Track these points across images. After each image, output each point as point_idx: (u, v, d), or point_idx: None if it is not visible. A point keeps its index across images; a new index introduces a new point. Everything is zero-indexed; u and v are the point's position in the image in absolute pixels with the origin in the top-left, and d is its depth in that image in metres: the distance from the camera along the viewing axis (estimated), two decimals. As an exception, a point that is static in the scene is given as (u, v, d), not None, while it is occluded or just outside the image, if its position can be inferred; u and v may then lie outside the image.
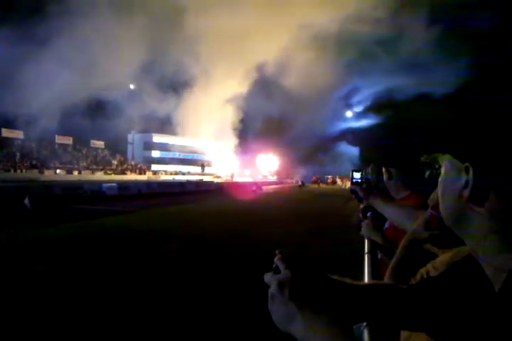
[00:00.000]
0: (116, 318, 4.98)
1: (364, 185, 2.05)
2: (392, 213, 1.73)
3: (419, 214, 1.41)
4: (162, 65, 65.07)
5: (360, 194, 1.88)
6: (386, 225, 2.07)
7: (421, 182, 2.07)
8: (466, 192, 0.58)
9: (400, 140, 2.36)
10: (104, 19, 55.26)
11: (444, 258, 0.88)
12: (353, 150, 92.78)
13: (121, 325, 4.80)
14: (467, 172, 0.59)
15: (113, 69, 55.28)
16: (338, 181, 73.52)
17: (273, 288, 0.66)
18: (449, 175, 0.64)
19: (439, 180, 0.69)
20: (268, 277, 0.69)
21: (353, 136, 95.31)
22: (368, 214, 2.14)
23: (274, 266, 0.69)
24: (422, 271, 0.93)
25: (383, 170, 2.24)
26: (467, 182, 0.58)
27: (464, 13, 63.64)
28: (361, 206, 2.24)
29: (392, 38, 71.58)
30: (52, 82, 50.24)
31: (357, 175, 2.22)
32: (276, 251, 0.68)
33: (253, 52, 68.47)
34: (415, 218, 1.43)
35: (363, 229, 2.09)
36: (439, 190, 0.68)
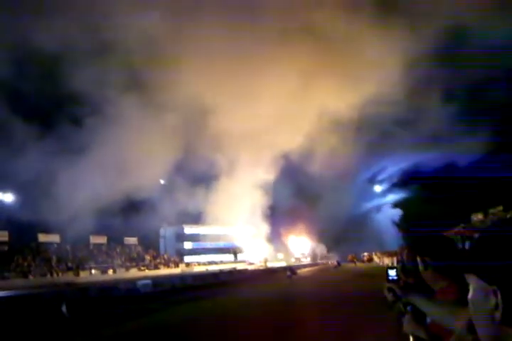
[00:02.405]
0: None
1: (401, 281, 2.02)
2: (432, 310, 1.69)
3: (460, 312, 1.35)
4: (190, 161, 67.90)
5: (398, 292, 1.87)
6: (428, 319, 2.01)
7: (459, 267, 1.99)
8: (498, 315, 0.57)
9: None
10: (133, 124, 59.33)
11: None
12: (387, 224, 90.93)
13: None
14: (495, 295, 0.58)
15: (143, 168, 58.04)
16: (375, 258, 70.90)
17: None
18: (478, 295, 0.63)
19: (469, 298, 0.68)
20: None
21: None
22: (408, 308, 2.06)
23: None
24: None
25: (418, 259, 2.11)
26: (497, 304, 0.57)
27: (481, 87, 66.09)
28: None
29: (412, 116, 73.86)
30: (85, 184, 52.78)
31: (392, 273, 2.18)
32: None
33: (277, 141, 71.35)
34: (457, 316, 1.39)
35: (404, 324, 2.02)
36: (471, 308, 0.67)
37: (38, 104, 53.86)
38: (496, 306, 0.57)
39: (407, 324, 2.00)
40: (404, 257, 2.67)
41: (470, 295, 0.67)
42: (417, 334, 1.96)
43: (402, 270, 2.29)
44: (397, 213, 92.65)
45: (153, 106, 62.63)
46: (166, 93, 62.34)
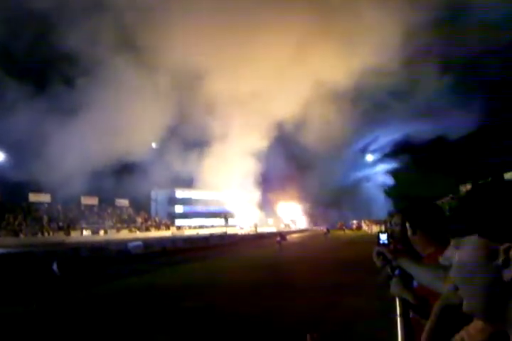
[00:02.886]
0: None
1: (391, 245, 2.02)
2: (420, 274, 1.70)
3: (448, 276, 1.39)
4: (183, 125, 67.37)
5: (387, 256, 1.87)
6: (415, 283, 2.02)
7: (448, 237, 2.01)
8: (509, 274, 0.54)
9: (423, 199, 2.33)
10: (126, 85, 58.38)
11: (477, 324, 0.84)
12: (377, 193, 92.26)
13: None
14: (506, 252, 0.55)
15: (136, 131, 57.58)
16: (364, 226, 72.20)
17: None
18: (476, 257, 0.60)
19: (455, 264, 0.66)
20: None
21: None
22: (396, 272, 2.07)
23: None
24: (457, 338, 0.91)
25: (407, 224, 2.15)
26: (507, 262, 0.54)
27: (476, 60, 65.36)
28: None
29: (407, 87, 73.25)
30: (77, 145, 52.47)
31: (383, 237, 2.20)
32: (308, 335, 0.66)
33: (271, 108, 70.75)
34: (444, 280, 1.40)
35: (392, 287, 2.03)
36: (459, 275, 0.65)
37: (30, 63, 52.84)
38: (506, 264, 0.55)
39: (395, 287, 2.01)
40: (394, 223, 2.68)
41: (460, 260, 0.65)
42: (404, 297, 1.98)
43: (391, 235, 2.31)
44: (386, 183, 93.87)
45: (146, 67, 61.42)
46: (159, 55, 61.03)
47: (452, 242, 0.74)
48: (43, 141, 49.38)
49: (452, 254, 0.73)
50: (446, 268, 1.53)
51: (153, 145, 66.34)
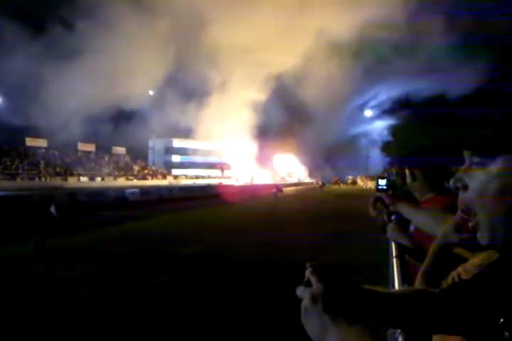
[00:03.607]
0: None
1: (390, 191, 2.04)
2: (418, 218, 1.70)
3: (446, 219, 1.39)
4: (182, 74, 65.98)
5: (386, 200, 1.87)
6: (411, 228, 2.04)
7: (445, 184, 2.06)
8: None
9: (425, 142, 2.32)
10: (126, 30, 56.47)
11: (475, 261, 0.86)
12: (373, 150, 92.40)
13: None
14: None
15: (134, 77, 56.39)
16: (359, 181, 73.00)
17: (306, 302, 0.66)
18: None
19: (486, 179, 0.63)
20: (300, 291, 0.68)
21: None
22: (393, 218, 2.10)
23: (305, 279, 0.69)
24: (454, 274, 0.93)
25: (407, 171, 2.20)
26: None
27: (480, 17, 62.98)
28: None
29: (409, 42, 71.27)
30: (75, 90, 51.60)
31: (382, 182, 2.22)
32: (307, 264, 0.68)
33: (272, 59, 69.13)
34: (443, 222, 1.40)
35: (388, 232, 2.07)
36: (492, 189, 0.62)
37: (28, 5, 50.65)
38: None
39: (391, 231, 2.07)
40: (394, 174, 2.70)
41: (497, 174, 0.62)
42: (400, 241, 2.02)
43: (390, 186, 2.33)
44: (383, 139, 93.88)
45: (146, 12, 59.20)
46: None
47: (472, 156, 0.69)
48: (40, 85, 48.54)
49: (470, 174, 0.69)
50: (445, 212, 1.54)
51: (151, 92, 65.37)
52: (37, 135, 50.24)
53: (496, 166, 0.63)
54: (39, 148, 51.03)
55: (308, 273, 0.69)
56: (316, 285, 0.66)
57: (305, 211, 21.02)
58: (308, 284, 0.67)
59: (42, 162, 47.48)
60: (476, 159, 0.67)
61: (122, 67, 55.31)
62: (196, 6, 61.22)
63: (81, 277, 7.34)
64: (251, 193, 38.22)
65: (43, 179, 43.59)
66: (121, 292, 6.45)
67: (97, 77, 52.94)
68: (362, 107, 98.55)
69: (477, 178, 0.66)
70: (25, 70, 45.84)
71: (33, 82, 47.31)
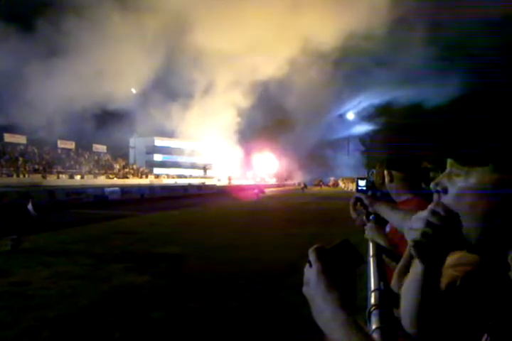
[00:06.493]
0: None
1: (369, 193, 2.08)
2: (396, 219, 1.75)
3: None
4: (167, 73, 65.99)
5: (365, 201, 1.93)
6: (387, 228, 2.09)
7: (423, 185, 2.13)
8: None
9: (402, 142, 2.37)
10: (111, 30, 56.12)
11: (449, 261, 0.86)
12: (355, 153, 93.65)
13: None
14: None
15: (117, 76, 56.01)
16: (341, 183, 73.59)
17: (310, 280, 0.72)
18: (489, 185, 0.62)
19: (459, 191, 0.66)
20: (305, 271, 0.74)
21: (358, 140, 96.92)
22: (371, 218, 2.17)
23: (308, 259, 0.75)
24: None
25: (385, 172, 2.26)
26: None
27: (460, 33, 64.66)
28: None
29: (391, 52, 72.88)
30: (56, 88, 50.89)
31: (362, 183, 2.28)
32: (310, 249, 0.75)
33: (256, 65, 69.99)
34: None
35: (366, 231, 2.13)
36: (468, 197, 0.64)
37: (11, 2, 49.82)
38: None
39: (369, 231, 2.12)
40: (374, 174, 2.76)
41: (471, 187, 0.65)
42: (377, 241, 2.06)
43: (370, 187, 2.39)
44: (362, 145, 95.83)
45: (132, 11, 58.83)
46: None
47: (452, 166, 0.72)
48: (22, 82, 47.88)
49: (450, 181, 0.72)
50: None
51: (133, 90, 64.83)
52: (15, 131, 49.37)
53: (475, 176, 0.65)
54: (18, 144, 50.08)
55: (309, 253, 0.74)
56: (315, 265, 0.72)
57: (286, 211, 21.09)
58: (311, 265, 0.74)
59: (20, 159, 46.61)
60: (457, 168, 0.69)
61: (105, 66, 55.16)
62: (183, 8, 61.28)
63: (57, 275, 7.24)
64: (232, 193, 38.26)
65: (21, 176, 42.80)
66: (98, 290, 6.37)
67: (79, 75, 52.63)
68: (342, 116, 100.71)
69: (457, 185, 0.68)
70: (7, 67, 45.10)
71: (14, 80, 46.61)
